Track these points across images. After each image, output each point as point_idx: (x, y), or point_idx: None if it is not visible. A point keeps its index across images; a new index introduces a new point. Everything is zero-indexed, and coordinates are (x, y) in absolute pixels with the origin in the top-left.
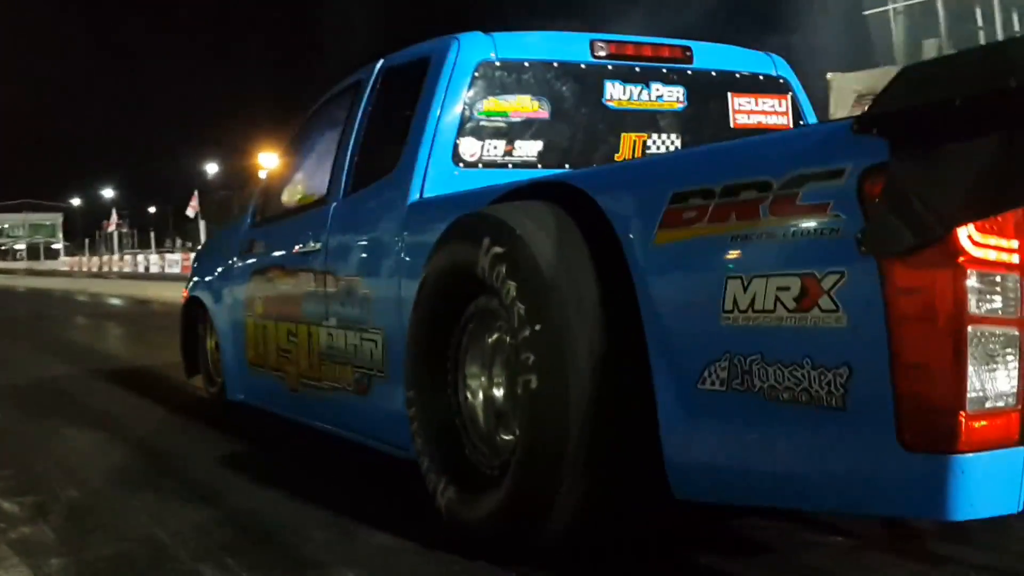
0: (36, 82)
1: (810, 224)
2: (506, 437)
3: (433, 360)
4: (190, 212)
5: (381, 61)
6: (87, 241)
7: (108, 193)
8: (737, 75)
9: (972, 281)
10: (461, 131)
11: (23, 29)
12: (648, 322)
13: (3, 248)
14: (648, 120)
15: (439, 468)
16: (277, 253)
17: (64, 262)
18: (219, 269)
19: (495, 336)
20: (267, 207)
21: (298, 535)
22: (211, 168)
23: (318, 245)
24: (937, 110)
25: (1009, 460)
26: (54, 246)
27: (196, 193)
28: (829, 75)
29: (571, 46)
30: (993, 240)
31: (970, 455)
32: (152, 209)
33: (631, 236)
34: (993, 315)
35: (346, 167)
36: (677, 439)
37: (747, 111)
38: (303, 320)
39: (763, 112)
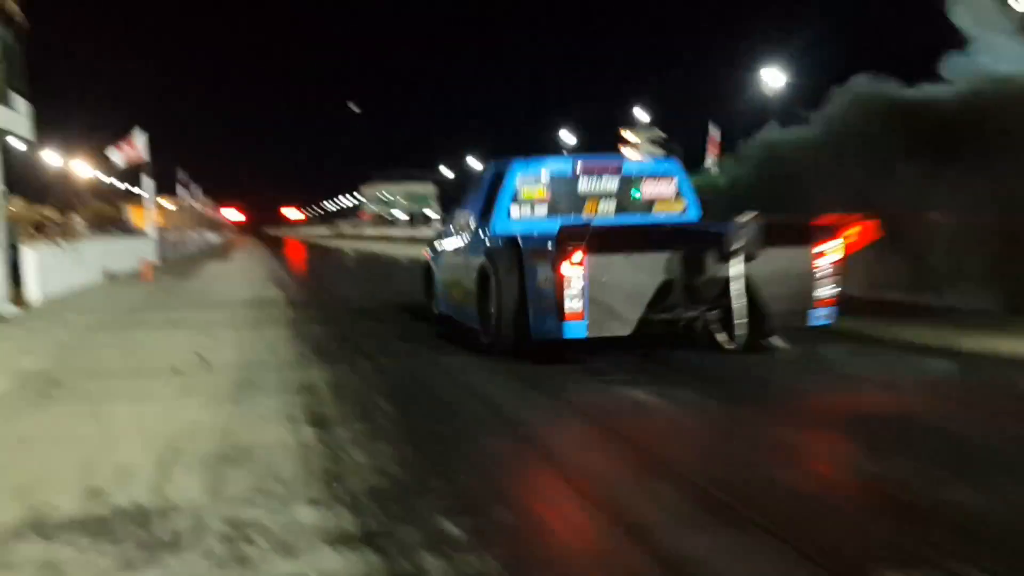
0: (414, 70)
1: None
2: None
3: (481, 294)
4: None
5: (492, 164)
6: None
7: (475, 164)
8: (646, 171)
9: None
10: (513, 203)
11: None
12: (527, 286)
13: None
14: (599, 196)
15: (483, 328)
16: (453, 246)
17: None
18: (436, 248)
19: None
20: (453, 223)
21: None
22: (571, 140)
23: (465, 245)
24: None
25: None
26: (429, 214)
27: None
28: None
29: (565, 164)
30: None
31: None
32: None
33: (529, 259)
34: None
35: (478, 212)
36: (530, 318)
37: (650, 190)
38: (459, 278)
39: (659, 190)
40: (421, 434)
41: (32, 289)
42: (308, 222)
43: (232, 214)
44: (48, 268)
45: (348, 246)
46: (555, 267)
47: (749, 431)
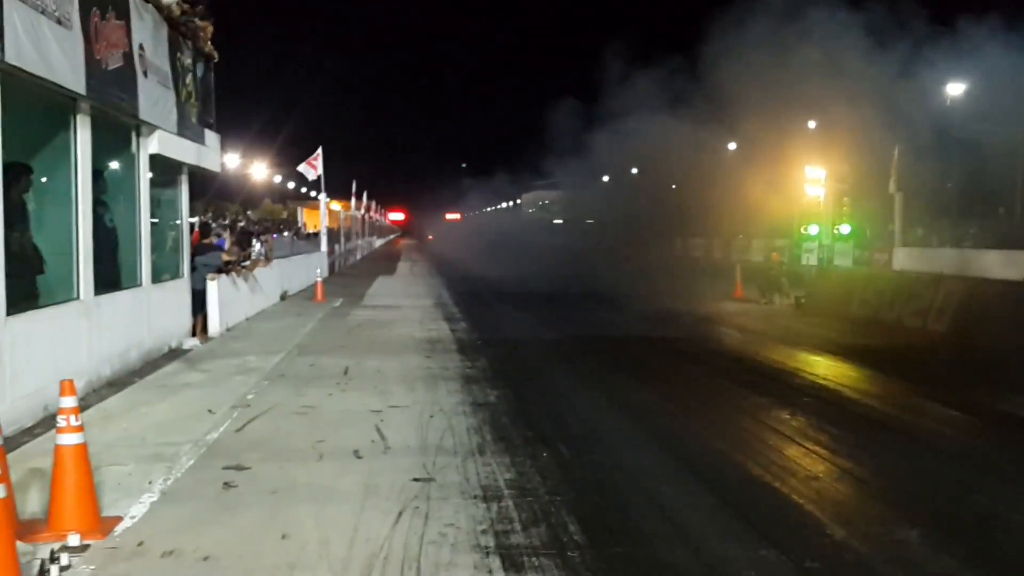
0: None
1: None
2: None
3: None
4: None
5: None
6: None
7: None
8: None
9: None
10: None
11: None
12: None
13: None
14: None
15: None
16: None
17: None
18: None
19: None
20: None
21: None
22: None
23: None
24: None
25: None
26: (587, 221)
27: None
28: None
29: None
30: None
31: None
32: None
33: None
34: None
35: None
36: None
37: None
38: None
39: None
40: None
41: (213, 320)
42: (463, 221)
43: (397, 216)
44: (228, 298)
45: None
46: None
47: None
